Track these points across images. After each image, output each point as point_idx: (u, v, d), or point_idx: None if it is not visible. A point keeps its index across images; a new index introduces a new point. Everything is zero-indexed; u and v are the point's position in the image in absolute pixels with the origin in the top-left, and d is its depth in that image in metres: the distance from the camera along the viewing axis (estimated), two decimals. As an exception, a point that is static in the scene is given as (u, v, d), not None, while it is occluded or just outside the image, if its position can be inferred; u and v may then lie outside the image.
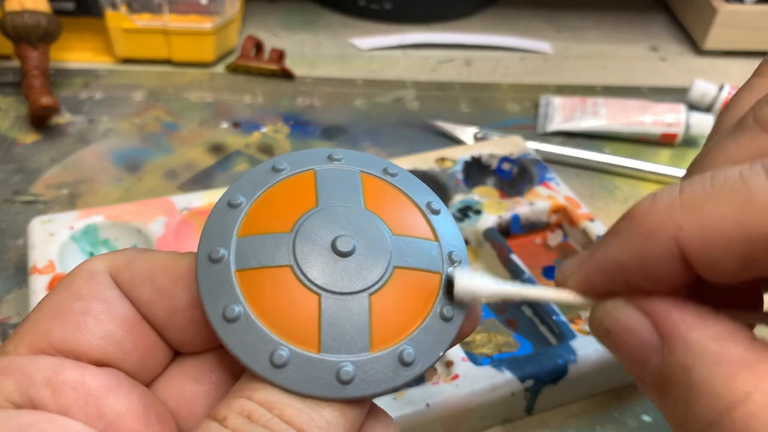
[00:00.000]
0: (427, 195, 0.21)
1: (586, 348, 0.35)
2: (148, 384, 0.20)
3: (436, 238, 0.20)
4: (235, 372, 0.20)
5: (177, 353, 0.20)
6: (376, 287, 0.18)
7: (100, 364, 0.18)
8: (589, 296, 0.19)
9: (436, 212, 0.20)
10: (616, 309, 0.18)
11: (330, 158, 0.20)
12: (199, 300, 0.18)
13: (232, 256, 0.18)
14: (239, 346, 0.17)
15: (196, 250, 0.19)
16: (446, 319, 0.18)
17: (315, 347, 0.17)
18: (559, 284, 0.20)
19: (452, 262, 0.19)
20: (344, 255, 0.18)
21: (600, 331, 0.19)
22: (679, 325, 0.17)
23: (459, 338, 0.19)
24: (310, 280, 0.18)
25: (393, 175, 0.21)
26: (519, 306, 0.39)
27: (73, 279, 0.19)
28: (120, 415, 0.18)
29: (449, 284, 0.19)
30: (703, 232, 0.16)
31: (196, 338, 0.19)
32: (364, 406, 0.18)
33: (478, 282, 0.19)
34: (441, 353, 0.18)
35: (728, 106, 0.21)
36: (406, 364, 0.17)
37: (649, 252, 0.17)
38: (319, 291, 0.18)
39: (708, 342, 0.16)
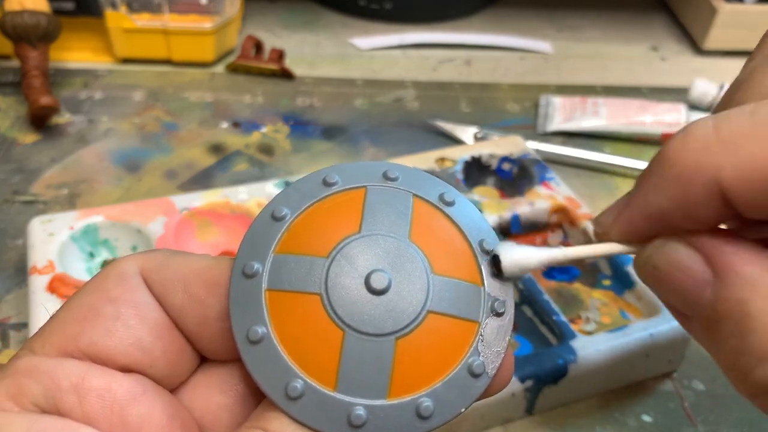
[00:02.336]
0: (482, 233, 0.19)
1: (587, 348, 0.35)
2: (174, 390, 0.19)
3: (482, 283, 0.18)
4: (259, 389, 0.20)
5: (204, 360, 0.20)
6: (404, 331, 0.17)
7: (126, 370, 0.18)
8: (633, 244, 0.19)
9: (488, 253, 0.19)
10: (665, 246, 0.18)
11: (385, 176, 0.19)
12: (228, 314, 0.17)
13: (266, 273, 0.17)
14: (258, 369, 0.17)
15: (232, 256, 0.18)
16: (474, 375, 0.17)
17: (331, 384, 0.16)
18: (600, 237, 0.20)
19: (495, 312, 0.18)
20: (377, 293, 0.17)
21: (648, 269, 0.18)
22: (733, 260, 0.16)
23: (487, 395, 0.18)
24: (337, 315, 0.17)
25: (449, 204, 0.19)
26: (519, 306, 0.39)
27: (104, 280, 0.18)
28: (144, 423, 0.17)
29: (495, 261, 0.18)
30: (746, 173, 0.15)
31: (225, 348, 0.19)
32: None
33: (523, 254, 0.18)
34: (462, 410, 0.17)
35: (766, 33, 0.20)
36: (422, 418, 0.17)
37: (689, 195, 0.17)
38: (345, 327, 0.17)
39: (764, 275, 0.16)
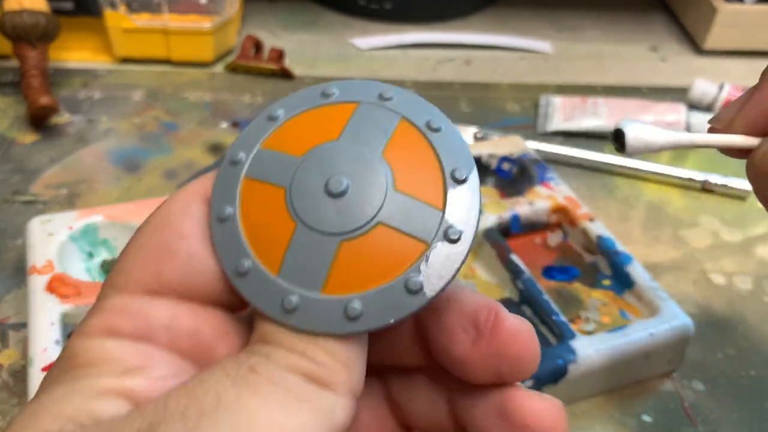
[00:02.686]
0: (460, 161, 0.19)
1: (586, 348, 0.35)
2: None
3: (443, 208, 0.18)
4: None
5: None
6: (350, 235, 0.18)
7: (209, 304, 0.19)
8: (757, 135, 0.19)
9: (458, 181, 0.19)
10: None
11: (381, 96, 0.20)
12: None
13: (248, 163, 0.19)
14: (220, 244, 0.18)
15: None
16: (410, 292, 0.17)
17: (275, 270, 0.18)
18: (722, 131, 0.19)
19: (448, 239, 0.18)
20: (333, 195, 0.18)
21: (765, 162, 0.18)
22: None
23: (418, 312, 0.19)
24: (294, 208, 0.18)
25: (434, 130, 0.19)
26: (519, 306, 0.39)
27: (171, 214, 0.19)
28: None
29: (619, 135, 0.18)
30: None
31: None
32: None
33: (649, 131, 0.18)
34: (391, 321, 0.17)
35: None
36: (349, 318, 0.17)
37: None
38: (297, 220, 0.18)
39: None
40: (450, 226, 0.18)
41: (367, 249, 0.18)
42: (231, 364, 0.16)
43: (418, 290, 0.17)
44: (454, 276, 0.18)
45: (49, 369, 0.18)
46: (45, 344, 0.33)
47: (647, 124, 0.19)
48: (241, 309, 0.20)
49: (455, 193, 0.19)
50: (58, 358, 0.18)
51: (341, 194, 0.18)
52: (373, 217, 0.18)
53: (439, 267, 0.18)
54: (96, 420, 0.16)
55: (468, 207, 0.19)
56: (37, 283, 0.36)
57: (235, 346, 0.19)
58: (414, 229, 0.18)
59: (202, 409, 0.15)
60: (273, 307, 0.17)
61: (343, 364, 0.17)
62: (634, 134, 0.18)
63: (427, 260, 0.18)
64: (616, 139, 0.18)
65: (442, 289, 0.18)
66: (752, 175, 0.19)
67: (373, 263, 0.18)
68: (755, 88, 0.19)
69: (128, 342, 0.17)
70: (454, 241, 0.18)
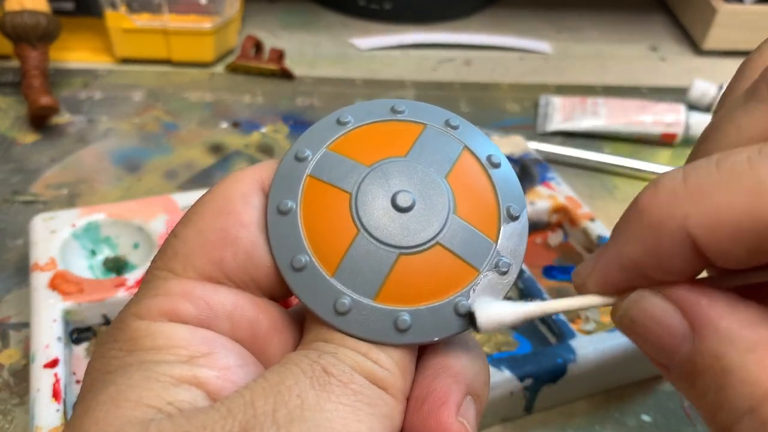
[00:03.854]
0: (515, 199, 0.20)
1: (586, 347, 0.35)
2: None
3: (496, 240, 0.19)
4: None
5: None
6: (410, 251, 0.18)
7: (267, 295, 0.19)
8: (611, 295, 0.19)
9: (512, 218, 0.20)
10: (642, 299, 0.18)
11: (447, 123, 0.21)
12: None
13: (313, 162, 0.19)
14: (277, 237, 0.18)
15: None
16: (457, 314, 0.18)
17: (331, 270, 0.18)
18: (578, 289, 0.19)
19: (498, 270, 0.19)
20: (399, 209, 0.19)
21: (625, 321, 0.18)
22: (710, 313, 0.16)
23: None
24: (358, 215, 0.18)
25: (494, 165, 0.20)
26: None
27: (230, 202, 0.19)
28: (279, 354, 0.19)
29: (471, 317, 0.19)
30: (711, 222, 0.15)
31: None
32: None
33: (499, 310, 0.19)
34: (435, 339, 0.18)
35: (739, 71, 0.20)
36: (398, 329, 0.18)
37: (660, 244, 0.16)
38: (360, 227, 0.18)
39: (740, 329, 0.16)
40: (501, 258, 0.19)
41: (422, 266, 0.18)
42: (305, 362, 0.17)
43: (464, 314, 0.18)
44: (490, 321, 0.19)
45: (98, 348, 0.18)
46: (47, 341, 0.33)
47: (500, 302, 0.19)
48: (286, 302, 0.20)
49: (508, 228, 0.20)
50: (113, 338, 0.18)
51: (407, 209, 0.19)
52: (433, 237, 0.19)
53: (485, 294, 0.19)
54: (178, 409, 0.16)
55: (517, 243, 0.20)
56: (40, 280, 0.36)
57: (288, 339, 0.19)
58: (469, 255, 0.19)
59: (290, 413, 0.16)
60: (324, 307, 0.18)
61: (402, 369, 0.18)
62: (485, 316, 0.19)
63: (476, 287, 0.19)
64: (470, 320, 0.19)
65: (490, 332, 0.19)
66: (618, 330, 0.19)
67: (427, 281, 0.18)
68: (605, 246, 0.19)
69: (192, 328, 0.18)
70: (503, 273, 0.19)
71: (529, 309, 0.19)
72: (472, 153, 0.20)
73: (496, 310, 0.19)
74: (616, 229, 0.18)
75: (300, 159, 0.20)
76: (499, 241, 0.19)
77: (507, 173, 0.20)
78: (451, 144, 0.20)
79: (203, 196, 0.19)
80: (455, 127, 0.21)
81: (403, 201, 0.19)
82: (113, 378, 0.16)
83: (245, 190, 0.19)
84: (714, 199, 0.15)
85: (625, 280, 0.18)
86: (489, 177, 0.20)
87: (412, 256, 0.18)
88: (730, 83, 0.20)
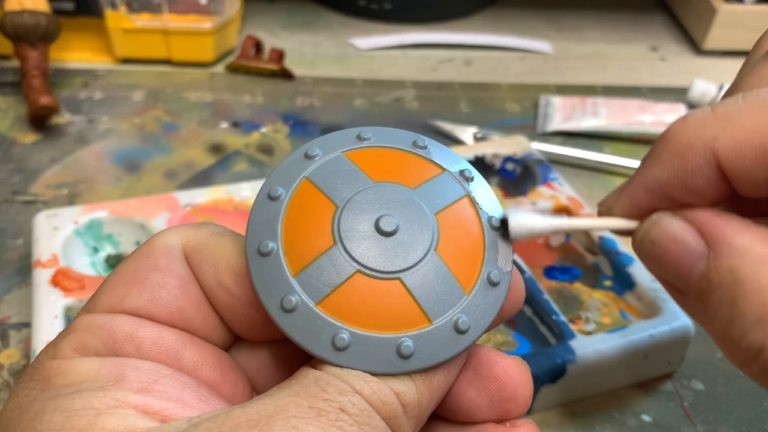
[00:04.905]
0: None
1: (585, 348, 0.35)
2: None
3: (468, 293, 0.19)
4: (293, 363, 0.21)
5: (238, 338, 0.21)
6: (368, 273, 0.18)
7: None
8: (634, 219, 0.20)
9: (469, 180, 0.20)
10: (662, 220, 0.19)
11: (462, 174, 0.21)
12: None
13: (322, 160, 0.19)
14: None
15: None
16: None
17: (295, 271, 0.18)
18: (604, 215, 0.21)
19: (456, 327, 0.18)
20: (381, 233, 0.18)
21: (645, 244, 0.19)
22: (725, 231, 0.18)
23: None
24: (339, 228, 0.18)
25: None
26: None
27: (152, 249, 0.19)
28: (197, 365, 0.19)
29: (504, 224, 0.19)
30: (736, 143, 0.17)
31: (253, 332, 0.20)
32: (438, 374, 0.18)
33: (531, 219, 0.19)
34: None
35: (758, 42, 0.22)
36: (461, 332, 0.18)
37: (687, 165, 0.18)
38: (337, 240, 0.18)
39: (753, 244, 0.17)
40: (460, 317, 0.18)
41: (374, 292, 0.18)
42: (317, 398, 0.16)
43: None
44: (522, 228, 0.19)
45: (15, 388, 0.18)
46: (48, 337, 0.33)
47: (531, 213, 0.20)
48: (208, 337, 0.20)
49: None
50: (29, 377, 0.17)
51: (388, 234, 0.18)
52: (398, 271, 0.18)
53: (511, 226, 0.19)
54: None
55: (490, 306, 0.19)
56: (42, 276, 0.36)
57: (201, 353, 0.19)
58: (430, 301, 0.18)
59: None
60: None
61: (412, 403, 0.17)
62: (517, 222, 0.19)
63: (500, 227, 0.19)
64: (502, 226, 0.20)
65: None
66: (636, 254, 0.20)
67: (372, 310, 0.18)
68: (634, 173, 0.20)
69: (101, 358, 0.17)
70: (460, 332, 0.18)
71: (559, 222, 0.20)
72: (474, 204, 0.20)
73: (528, 219, 0.19)
74: (646, 158, 0.19)
75: (309, 156, 0.19)
76: (470, 295, 0.18)
77: (505, 239, 0.20)
78: (456, 191, 0.20)
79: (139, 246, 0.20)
80: (470, 179, 0.20)
81: (386, 225, 0.18)
82: (33, 424, 0.16)
83: (167, 243, 0.20)
84: (740, 122, 0.17)
85: (649, 202, 0.19)
86: (483, 235, 0.19)
87: (368, 279, 0.18)
88: (751, 51, 0.22)
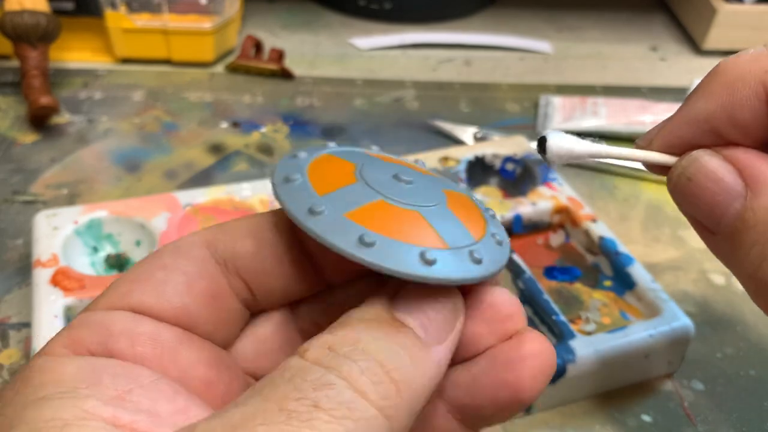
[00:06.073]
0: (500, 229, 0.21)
1: (585, 348, 0.35)
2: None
3: (477, 241, 0.20)
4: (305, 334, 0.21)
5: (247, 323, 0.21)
6: (391, 201, 0.19)
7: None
8: (673, 154, 0.20)
9: (498, 243, 0.21)
10: (702, 157, 0.19)
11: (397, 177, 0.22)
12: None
13: (307, 180, 0.20)
14: (328, 232, 0.18)
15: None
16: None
17: (321, 192, 0.19)
18: (643, 149, 0.21)
19: (471, 256, 0.19)
20: (398, 180, 0.20)
21: (681, 180, 0.19)
22: (765, 171, 0.18)
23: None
24: (361, 175, 0.19)
25: (491, 216, 0.21)
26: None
27: (161, 252, 0.20)
28: (193, 364, 0.19)
29: (542, 143, 0.19)
30: None
31: (278, 283, 0.20)
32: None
33: (570, 140, 0.19)
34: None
35: None
36: (476, 261, 0.18)
37: (736, 96, 0.18)
38: (360, 179, 0.19)
39: None
40: (475, 249, 0.19)
41: (396, 215, 0.19)
42: (287, 397, 0.15)
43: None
44: (560, 148, 0.20)
45: (8, 387, 0.17)
46: (48, 336, 0.33)
47: (571, 135, 0.20)
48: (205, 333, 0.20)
49: (493, 245, 0.20)
50: (16, 377, 0.17)
51: (406, 183, 0.20)
52: (417, 205, 0.19)
53: (549, 145, 0.20)
54: None
55: (498, 255, 0.20)
56: (41, 276, 0.36)
57: (199, 351, 0.19)
58: (444, 232, 0.19)
59: None
60: (349, 242, 0.17)
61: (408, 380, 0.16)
62: (556, 142, 0.19)
63: (539, 146, 0.20)
64: (540, 147, 0.19)
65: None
66: (670, 192, 0.20)
67: (397, 225, 0.19)
68: (678, 109, 0.20)
69: (84, 359, 0.17)
70: (476, 261, 0.19)
71: (597, 148, 0.20)
72: (468, 196, 0.22)
73: (568, 140, 0.19)
74: (693, 93, 0.19)
75: (291, 179, 0.20)
76: (480, 241, 0.19)
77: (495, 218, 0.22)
78: (448, 188, 0.21)
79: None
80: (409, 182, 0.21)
81: (404, 177, 0.20)
82: (11, 422, 0.16)
83: (178, 243, 0.20)
84: None
85: (691, 137, 0.19)
86: (483, 216, 0.21)
87: (391, 205, 0.19)
88: None
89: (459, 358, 0.19)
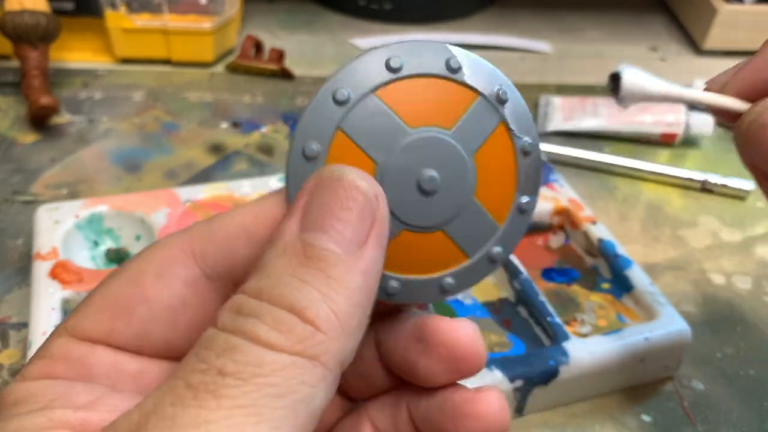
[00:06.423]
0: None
1: (579, 350, 0.35)
2: None
3: (501, 225, 0.20)
4: None
5: None
6: (412, 229, 0.19)
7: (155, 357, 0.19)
8: (747, 100, 0.19)
9: (504, 102, 0.20)
10: None
11: (498, 97, 0.20)
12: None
13: (354, 108, 0.18)
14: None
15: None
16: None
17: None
18: (715, 92, 0.20)
19: (489, 258, 0.20)
20: (422, 192, 0.19)
21: (753, 127, 0.19)
22: None
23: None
24: (399, 219, 0.19)
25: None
26: (515, 306, 0.39)
27: (144, 271, 0.18)
28: None
29: (616, 80, 0.19)
30: None
31: None
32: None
33: (645, 79, 0.19)
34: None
35: None
36: (493, 261, 0.20)
37: None
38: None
39: None
40: (493, 248, 0.20)
41: (420, 244, 0.19)
42: (193, 371, 0.14)
43: (497, 259, 0.20)
44: (635, 86, 0.20)
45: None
46: (45, 328, 0.34)
47: (645, 73, 0.19)
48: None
49: (516, 217, 0.20)
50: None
51: (430, 193, 0.19)
52: (441, 224, 0.19)
53: (624, 82, 0.20)
54: None
55: (518, 230, 0.21)
56: (41, 269, 0.36)
57: None
58: (468, 241, 0.20)
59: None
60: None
61: (346, 328, 0.15)
62: (630, 79, 0.19)
63: (612, 82, 0.20)
64: (613, 84, 0.19)
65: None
66: (738, 140, 0.19)
67: (419, 257, 0.20)
68: (754, 55, 0.19)
69: (67, 381, 0.17)
70: (491, 262, 0.20)
71: (670, 89, 0.20)
72: (509, 131, 0.20)
73: (643, 78, 0.19)
74: (765, 44, 0.19)
75: (339, 102, 0.18)
76: (503, 226, 0.20)
77: (535, 162, 0.20)
78: (492, 120, 0.20)
79: (133, 258, 0.19)
80: (504, 101, 0.20)
81: (428, 185, 0.19)
82: None
83: (165, 262, 0.18)
84: None
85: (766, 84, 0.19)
86: (515, 163, 0.20)
87: (413, 234, 0.19)
88: None
89: (415, 381, 0.20)
